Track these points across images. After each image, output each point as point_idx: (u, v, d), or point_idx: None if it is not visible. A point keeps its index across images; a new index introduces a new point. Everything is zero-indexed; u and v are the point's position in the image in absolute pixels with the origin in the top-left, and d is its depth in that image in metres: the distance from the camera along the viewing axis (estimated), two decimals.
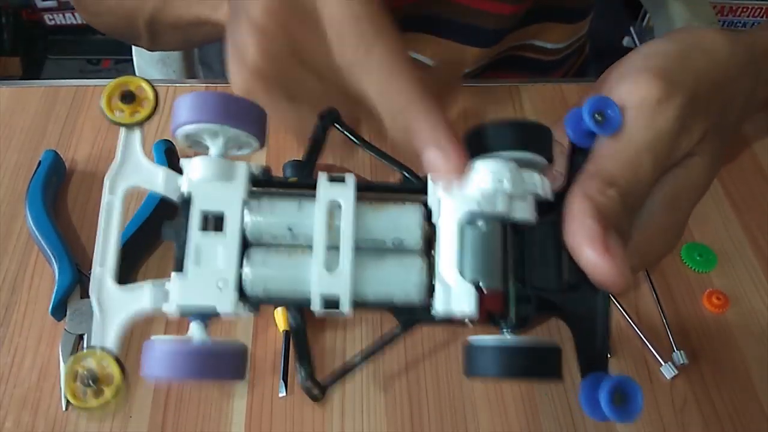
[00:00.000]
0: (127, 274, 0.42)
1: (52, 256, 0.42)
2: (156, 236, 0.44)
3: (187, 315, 0.25)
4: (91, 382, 0.24)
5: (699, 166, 0.29)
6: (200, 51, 0.74)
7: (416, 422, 0.39)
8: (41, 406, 0.38)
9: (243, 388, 0.39)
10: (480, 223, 0.24)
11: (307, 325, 0.26)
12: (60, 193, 0.47)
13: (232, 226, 0.25)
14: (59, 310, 0.41)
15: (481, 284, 0.24)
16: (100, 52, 1.58)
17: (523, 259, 0.25)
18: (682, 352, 0.41)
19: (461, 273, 0.24)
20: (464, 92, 0.55)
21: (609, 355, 0.25)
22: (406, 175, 0.27)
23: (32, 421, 0.38)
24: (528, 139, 0.26)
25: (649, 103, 0.27)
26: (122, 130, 0.26)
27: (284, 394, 0.39)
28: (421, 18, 0.59)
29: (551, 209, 0.26)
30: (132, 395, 0.39)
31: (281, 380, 0.39)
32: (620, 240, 0.25)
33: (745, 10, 1.42)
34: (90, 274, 0.43)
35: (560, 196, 0.26)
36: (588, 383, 0.24)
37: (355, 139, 0.29)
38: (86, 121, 0.52)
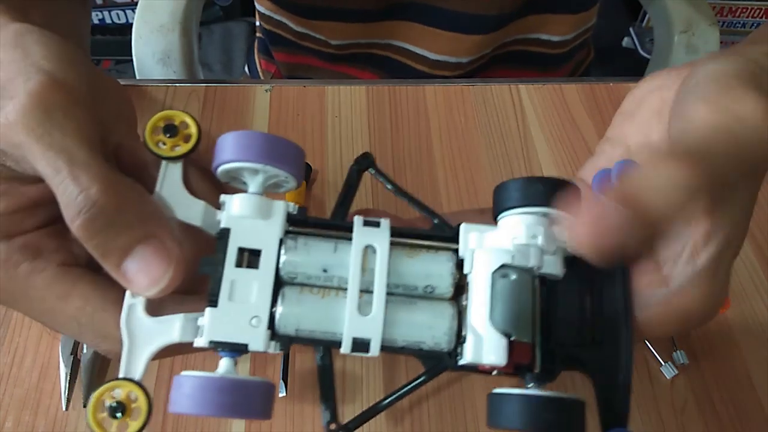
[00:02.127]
0: None
1: None
2: None
3: (218, 350, 0.25)
4: (118, 413, 0.23)
5: (742, 214, 0.26)
6: (200, 51, 0.74)
7: (416, 422, 0.39)
8: (41, 406, 0.38)
9: None
10: (513, 276, 0.25)
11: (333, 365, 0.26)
12: None
13: (267, 264, 0.25)
14: None
15: (512, 336, 0.24)
16: (100, 52, 1.58)
17: (549, 313, 0.26)
18: (682, 352, 0.41)
19: (492, 323, 0.24)
20: (464, 92, 0.55)
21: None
22: (438, 222, 0.28)
23: (32, 421, 0.38)
24: (556, 195, 0.26)
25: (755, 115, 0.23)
26: (163, 163, 0.27)
27: (284, 394, 0.39)
28: (410, 6, 0.59)
29: (577, 264, 0.26)
30: None
31: (281, 380, 0.39)
32: (615, 215, 0.23)
33: (744, 10, 1.42)
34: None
35: None
36: None
37: (388, 185, 0.30)
38: None
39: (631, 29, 1.44)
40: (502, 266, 0.25)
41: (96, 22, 1.59)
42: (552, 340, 0.25)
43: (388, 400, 0.26)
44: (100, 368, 0.39)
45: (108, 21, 1.60)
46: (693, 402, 0.40)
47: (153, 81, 0.56)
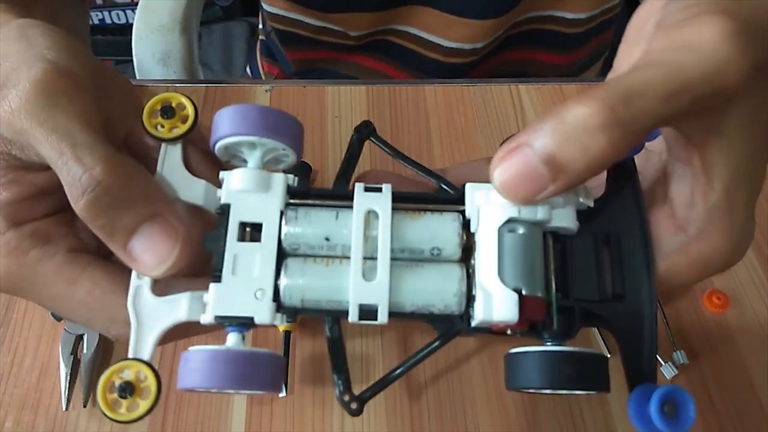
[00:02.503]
0: None
1: None
2: None
3: (225, 325, 0.25)
4: (128, 394, 0.23)
5: (748, 139, 0.23)
6: (200, 51, 0.74)
7: (416, 422, 0.39)
8: (41, 406, 0.38)
9: None
10: (520, 230, 0.24)
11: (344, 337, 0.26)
12: None
13: (269, 236, 0.25)
14: None
15: (522, 291, 0.24)
16: (101, 52, 1.58)
17: (565, 269, 0.25)
18: (682, 352, 0.41)
19: (502, 280, 0.24)
20: (464, 92, 0.55)
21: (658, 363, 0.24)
22: (443, 186, 0.27)
23: (32, 421, 0.38)
24: None
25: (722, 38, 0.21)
26: (163, 145, 0.27)
27: (284, 394, 0.39)
28: None
29: (591, 218, 0.25)
30: None
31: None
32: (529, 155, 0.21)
33: None
34: None
35: (601, 204, 0.26)
36: (636, 396, 0.23)
37: (390, 152, 0.29)
38: None
39: None
40: (509, 221, 0.24)
41: (96, 22, 1.59)
42: (570, 296, 0.25)
43: (401, 369, 0.26)
44: (100, 368, 0.40)
45: (108, 21, 1.60)
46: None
47: (153, 81, 0.56)
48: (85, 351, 0.39)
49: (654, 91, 0.21)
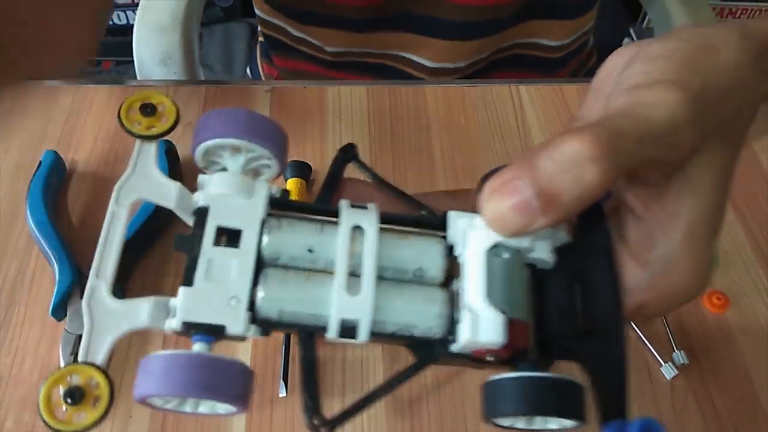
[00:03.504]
0: (121, 280, 0.42)
1: (52, 257, 0.42)
2: (151, 242, 0.44)
3: (191, 333, 0.23)
4: (71, 400, 0.21)
5: (707, 185, 0.25)
6: (201, 52, 0.74)
7: (416, 422, 0.39)
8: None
9: None
10: (506, 255, 0.25)
11: (317, 357, 0.25)
12: (60, 193, 0.47)
13: (248, 243, 0.24)
14: (59, 311, 0.41)
15: (508, 314, 0.24)
16: (101, 53, 1.58)
17: (541, 303, 0.25)
18: (682, 352, 0.41)
19: (490, 301, 0.24)
20: (464, 92, 0.55)
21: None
22: (424, 214, 0.27)
23: (32, 421, 0.38)
24: None
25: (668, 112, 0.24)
26: (137, 142, 0.26)
27: (284, 394, 0.39)
28: (406, 17, 0.59)
29: (563, 256, 0.26)
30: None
31: (281, 381, 0.39)
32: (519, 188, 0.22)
33: (744, 11, 1.42)
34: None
35: (571, 244, 0.26)
36: (611, 431, 0.23)
37: (372, 177, 0.29)
38: (86, 121, 0.52)
39: (631, 30, 1.43)
40: (496, 245, 0.24)
41: None
42: (546, 330, 0.25)
43: (374, 394, 0.25)
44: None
45: (108, 22, 1.60)
46: (693, 402, 0.40)
47: (154, 82, 0.56)
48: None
49: (629, 135, 0.23)
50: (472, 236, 0.25)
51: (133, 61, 0.69)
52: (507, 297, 0.24)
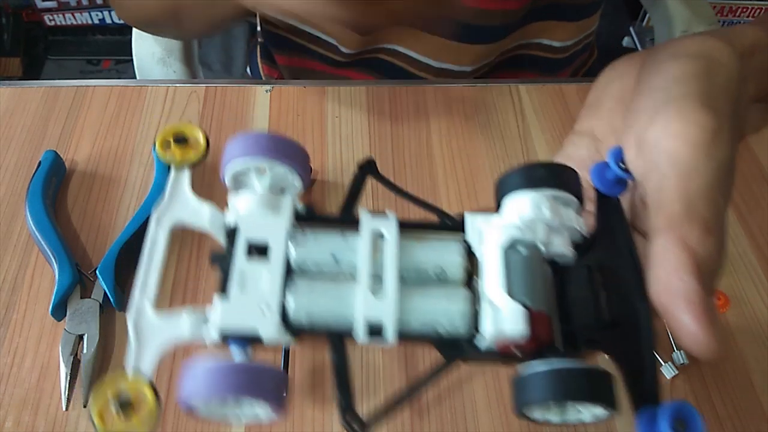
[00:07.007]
0: (128, 273, 0.42)
1: (52, 256, 0.42)
2: None
3: (228, 340, 0.25)
4: (120, 407, 0.23)
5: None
6: (201, 51, 0.74)
7: (416, 422, 0.39)
8: (41, 406, 0.38)
9: None
10: (524, 251, 0.25)
11: (348, 359, 0.25)
12: (60, 193, 0.47)
13: (276, 254, 0.26)
14: (59, 310, 0.41)
15: (528, 306, 0.24)
16: (101, 52, 1.58)
17: (564, 298, 0.26)
18: (682, 352, 0.41)
19: (510, 294, 0.24)
20: (464, 92, 0.55)
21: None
22: (442, 218, 0.28)
23: (32, 421, 0.38)
24: (559, 178, 0.26)
25: (705, 137, 0.24)
26: (172, 169, 0.29)
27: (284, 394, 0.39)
28: (417, 18, 0.59)
29: (584, 251, 0.26)
30: None
31: None
32: (713, 302, 0.23)
33: (744, 10, 1.42)
34: (89, 273, 0.43)
35: (592, 238, 0.27)
36: (644, 417, 0.23)
37: (391, 188, 0.30)
38: (86, 121, 0.52)
39: (631, 29, 1.43)
40: (513, 240, 0.25)
41: (96, 22, 1.59)
42: (571, 323, 0.25)
43: (407, 393, 0.25)
44: (100, 368, 0.40)
45: (108, 21, 1.60)
46: (693, 402, 0.40)
47: (153, 81, 0.56)
48: (85, 351, 0.39)
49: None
50: (489, 233, 0.26)
51: (132, 60, 0.69)
52: (527, 290, 0.24)
